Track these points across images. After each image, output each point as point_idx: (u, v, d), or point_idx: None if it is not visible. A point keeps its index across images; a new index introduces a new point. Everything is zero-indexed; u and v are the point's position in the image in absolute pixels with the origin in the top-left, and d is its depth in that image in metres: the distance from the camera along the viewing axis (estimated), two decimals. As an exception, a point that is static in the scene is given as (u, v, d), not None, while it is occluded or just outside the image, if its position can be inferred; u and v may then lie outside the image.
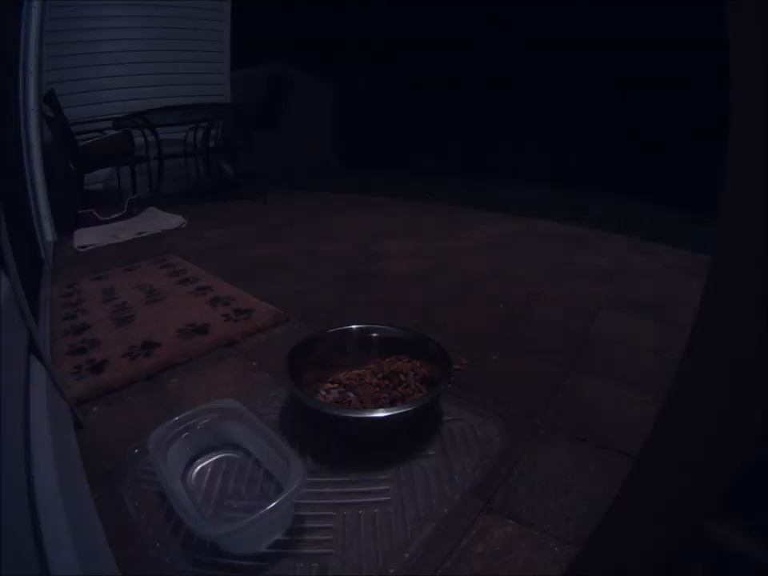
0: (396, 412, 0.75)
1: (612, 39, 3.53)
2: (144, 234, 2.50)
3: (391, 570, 0.58)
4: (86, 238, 2.41)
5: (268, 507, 0.58)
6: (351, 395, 0.89)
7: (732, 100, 0.32)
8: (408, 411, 0.76)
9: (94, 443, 0.84)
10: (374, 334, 1.00)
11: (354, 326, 1.01)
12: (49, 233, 2.40)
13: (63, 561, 0.43)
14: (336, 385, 0.92)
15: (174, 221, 2.70)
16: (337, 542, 0.62)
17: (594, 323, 1.26)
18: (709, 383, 0.35)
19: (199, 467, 0.76)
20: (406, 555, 0.60)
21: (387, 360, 0.96)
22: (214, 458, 0.77)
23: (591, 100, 3.78)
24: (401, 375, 0.91)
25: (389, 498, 0.69)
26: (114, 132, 3.01)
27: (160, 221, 2.73)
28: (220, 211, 3.06)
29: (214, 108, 3.45)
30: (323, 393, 0.91)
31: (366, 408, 0.82)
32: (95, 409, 0.95)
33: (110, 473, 0.76)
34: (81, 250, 2.27)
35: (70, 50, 3.10)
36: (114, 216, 2.79)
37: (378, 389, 0.89)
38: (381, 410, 0.75)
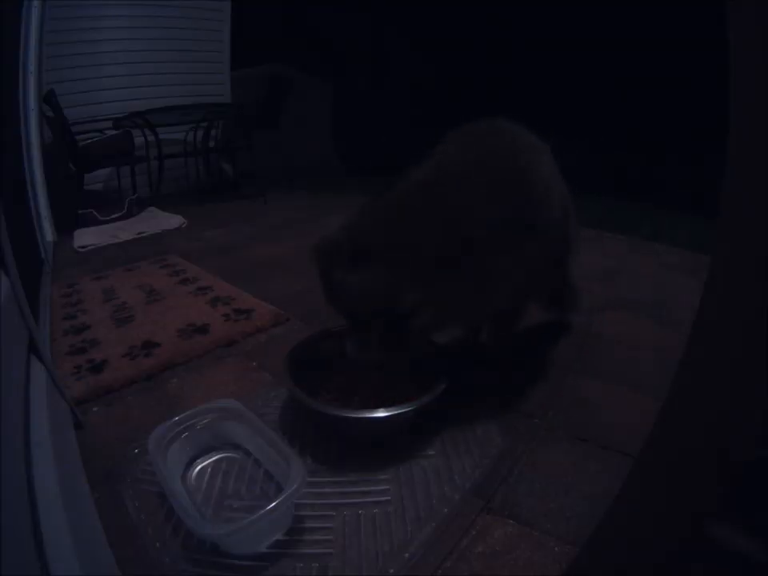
0: (396, 412, 0.75)
1: (612, 39, 3.53)
2: (144, 234, 2.50)
3: (391, 570, 0.58)
4: (86, 238, 2.41)
5: (268, 507, 0.57)
6: (351, 395, 0.89)
7: (732, 100, 0.32)
8: (408, 411, 0.76)
9: (94, 443, 0.84)
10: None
11: (353, 326, 1.00)
12: (49, 233, 2.40)
13: (63, 561, 0.43)
14: (336, 385, 0.92)
15: (173, 221, 2.70)
16: (337, 542, 0.62)
17: (594, 323, 1.26)
18: (709, 383, 0.35)
19: (199, 467, 0.76)
20: (406, 555, 0.60)
21: (387, 360, 0.96)
22: (214, 458, 0.77)
23: (591, 100, 3.78)
24: (401, 375, 0.90)
25: (389, 497, 0.69)
26: (114, 132, 3.01)
27: (160, 221, 2.73)
28: (220, 211, 3.06)
29: (214, 108, 3.46)
30: (323, 393, 0.91)
31: (366, 408, 0.82)
32: (95, 409, 0.95)
33: (110, 473, 0.76)
34: (81, 249, 2.27)
35: (69, 49, 3.10)
36: (114, 216, 2.79)
37: (378, 389, 0.89)
38: (381, 409, 0.75)
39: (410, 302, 0.73)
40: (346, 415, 0.79)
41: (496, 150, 0.78)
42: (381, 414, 0.74)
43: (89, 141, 2.83)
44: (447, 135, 0.83)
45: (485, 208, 0.71)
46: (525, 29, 4.13)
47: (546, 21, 3.97)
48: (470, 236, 0.71)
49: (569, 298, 1.12)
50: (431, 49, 4.74)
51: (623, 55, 3.52)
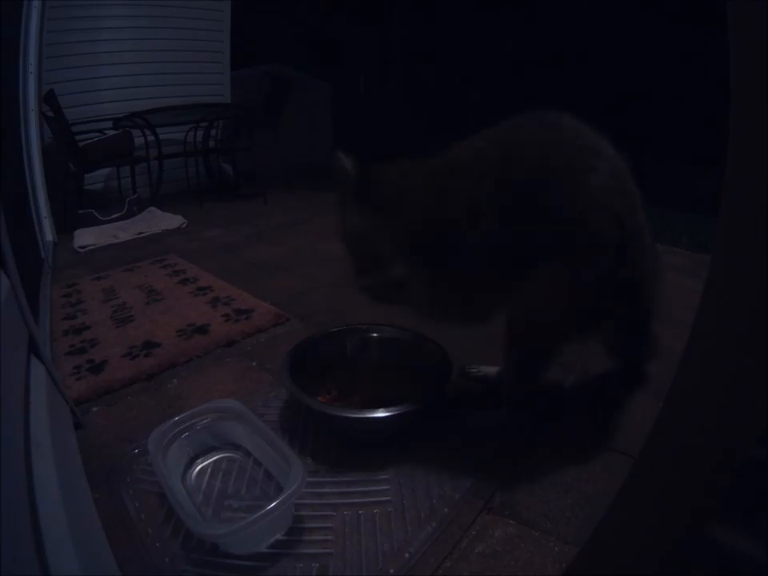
0: (396, 412, 0.75)
1: (612, 50, 3.54)
2: (144, 234, 2.51)
3: (391, 570, 0.58)
4: (86, 237, 2.41)
5: (268, 507, 0.57)
6: (351, 395, 0.89)
7: (732, 102, 0.32)
8: (408, 411, 0.76)
9: (94, 443, 0.84)
10: (374, 334, 1.00)
11: (353, 326, 1.01)
12: (49, 233, 2.40)
13: (63, 561, 0.43)
14: (336, 385, 0.92)
15: (174, 221, 2.70)
16: (337, 542, 0.62)
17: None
18: (709, 383, 0.35)
19: (199, 467, 0.76)
20: (406, 555, 0.60)
21: (387, 359, 0.96)
22: (213, 458, 0.77)
23: (590, 99, 3.78)
24: (401, 375, 0.91)
25: (389, 497, 0.69)
26: (114, 132, 3.01)
27: (160, 221, 2.73)
28: (220, 211, 3.06)
29: (214, 108, 3.46)
30: (323, 393, 0.91)
31: (366, 408, 0.82)
32: (95, 409, 0.95)
33: (110, 473, 0.76)
34: (81, 250, 2.27)
35: (69, 50, 3.10)
36: (114, 216, 2.79)
37: (378, 389, 0.89)
38: (381, 409, 0.75)
39: (394, 265, 0.78)
40: (346, 415, 0.79)
41: (524, 145, 0.72)
42: (381, 413, 0.74)
43: (89, 141, 2.83)
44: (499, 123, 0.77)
45: (488, 208, 0.70)
46: (525, 29, 4.14)
47: (547, 28, 3.98)
48: (462, 230, 0.71)
49: (638, 344, 0.88)
50: (431, 49, 4.74)
51: (622, 55, 3.53)
